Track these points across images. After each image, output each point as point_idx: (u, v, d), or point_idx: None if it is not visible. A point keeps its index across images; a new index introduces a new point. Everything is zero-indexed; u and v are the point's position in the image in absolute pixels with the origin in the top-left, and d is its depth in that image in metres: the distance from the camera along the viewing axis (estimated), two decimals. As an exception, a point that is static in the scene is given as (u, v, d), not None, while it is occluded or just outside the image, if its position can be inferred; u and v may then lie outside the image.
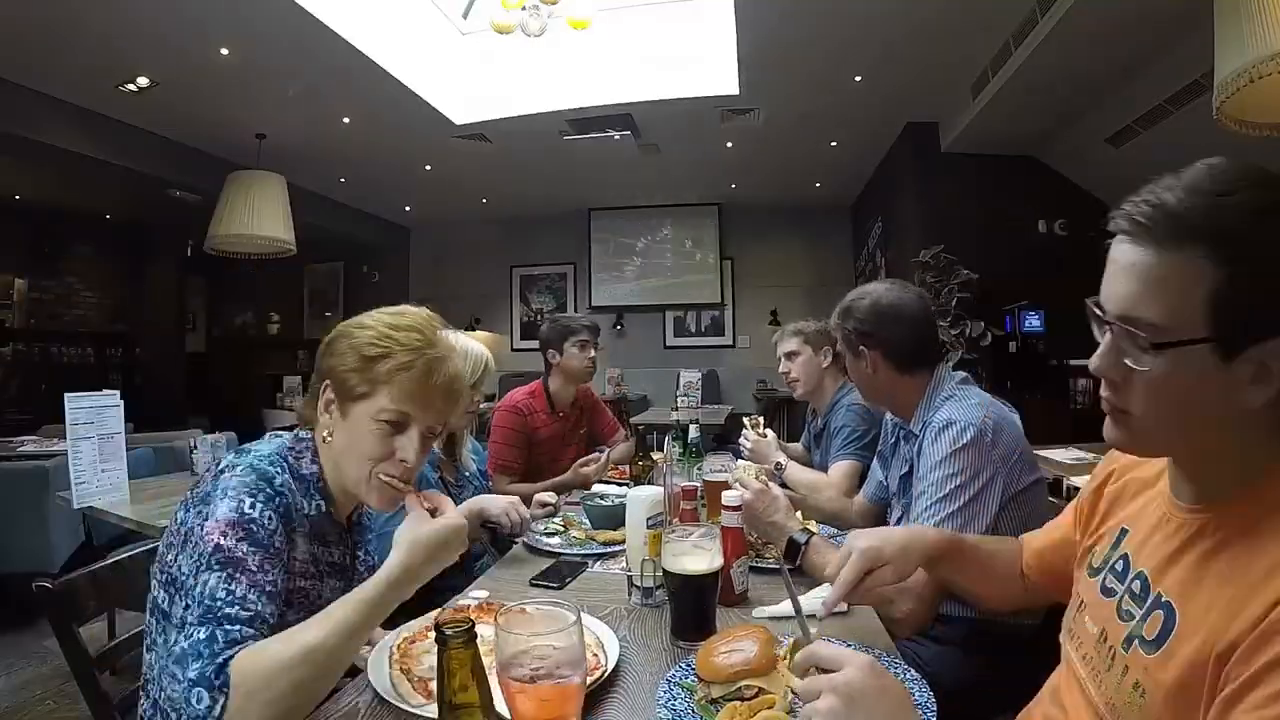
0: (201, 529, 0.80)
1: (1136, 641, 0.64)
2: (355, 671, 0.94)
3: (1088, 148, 4.94)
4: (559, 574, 1.35)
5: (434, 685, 0.89)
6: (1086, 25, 3.47)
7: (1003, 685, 0.98)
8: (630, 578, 1.21)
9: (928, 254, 5.14)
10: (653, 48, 4.57)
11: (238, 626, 0.74)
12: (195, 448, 2.71)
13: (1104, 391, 0.65)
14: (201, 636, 0.73)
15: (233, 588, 0.77)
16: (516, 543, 1.57)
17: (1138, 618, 0.66)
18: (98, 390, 2.34)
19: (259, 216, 5.26)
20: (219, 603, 0.75)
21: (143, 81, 4.39)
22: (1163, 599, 0.63)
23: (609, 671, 0.89)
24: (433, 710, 0.61)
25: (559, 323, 2.49)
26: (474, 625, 0.60)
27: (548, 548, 1.53)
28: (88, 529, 2.88)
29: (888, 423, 1.67)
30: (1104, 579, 0.74)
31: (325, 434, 0.93)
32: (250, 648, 0.73)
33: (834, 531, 1.60)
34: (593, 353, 2.48)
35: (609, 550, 1.50)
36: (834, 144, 6.07)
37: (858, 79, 4.68)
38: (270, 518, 0.83)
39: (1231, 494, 0.61)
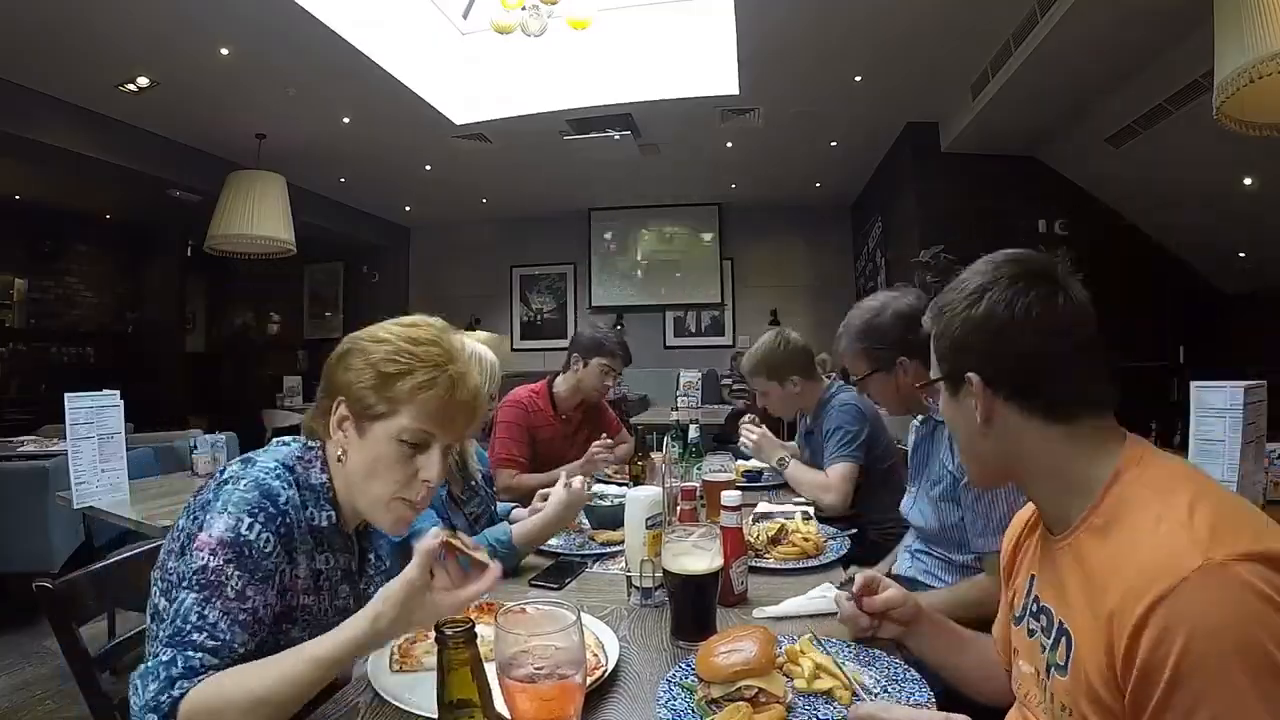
0: (196, 541, 0.78)
1: (1053, 669, 0.71)
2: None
3: (1088, 148, 4.94)
4: (558, 574, 1.35)
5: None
6: (1087, 25, 3.47)
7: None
8: (630, 578, 1.21)
9: (928, 254, 5.14)
10: (653, 48, 4.57)
11: (201, 655, 0.73)
12: (195, 448, 2.72)
13: None
14: (164, 659, 0.73)
15: (206, 612, 0.75)
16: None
17: (1047, 648, 0.72)
18: (98, 390, 2.34)
19: (259, 216, 5.26)
20: (189, 626, 0.74)
21: (143, 81, 4.39)
22: (1063, 626, 0.70)
23: (609, 671, 0.89)
24: (432, 710, 0.61)
25: (598, 336, 2.44)
26: (474, 625, 0.60)
27: (547, 548, 1.52)
28: (88, 529, 2.89)
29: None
30: (1027, 624, 0.80)
31: (339, 453, 0.89)
32: (205, 682, 0.72)
33: (834, 532, 1.60)
34: (610, 381, 2.46)
35: (609, 550, 1.50)
36: (834, 144, 6.07)
37: (858, 79, 4.68)
38: (267, 539, 0.80)
39: (1081, 519, 0.71)
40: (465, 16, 3.94)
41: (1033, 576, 0.81)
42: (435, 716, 0.61)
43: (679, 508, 1.52)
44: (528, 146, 5.94)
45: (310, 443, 0.94)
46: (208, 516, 0.80)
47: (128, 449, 2.41)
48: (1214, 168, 4.35)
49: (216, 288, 9.16)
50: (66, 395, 2.26)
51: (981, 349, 0.76)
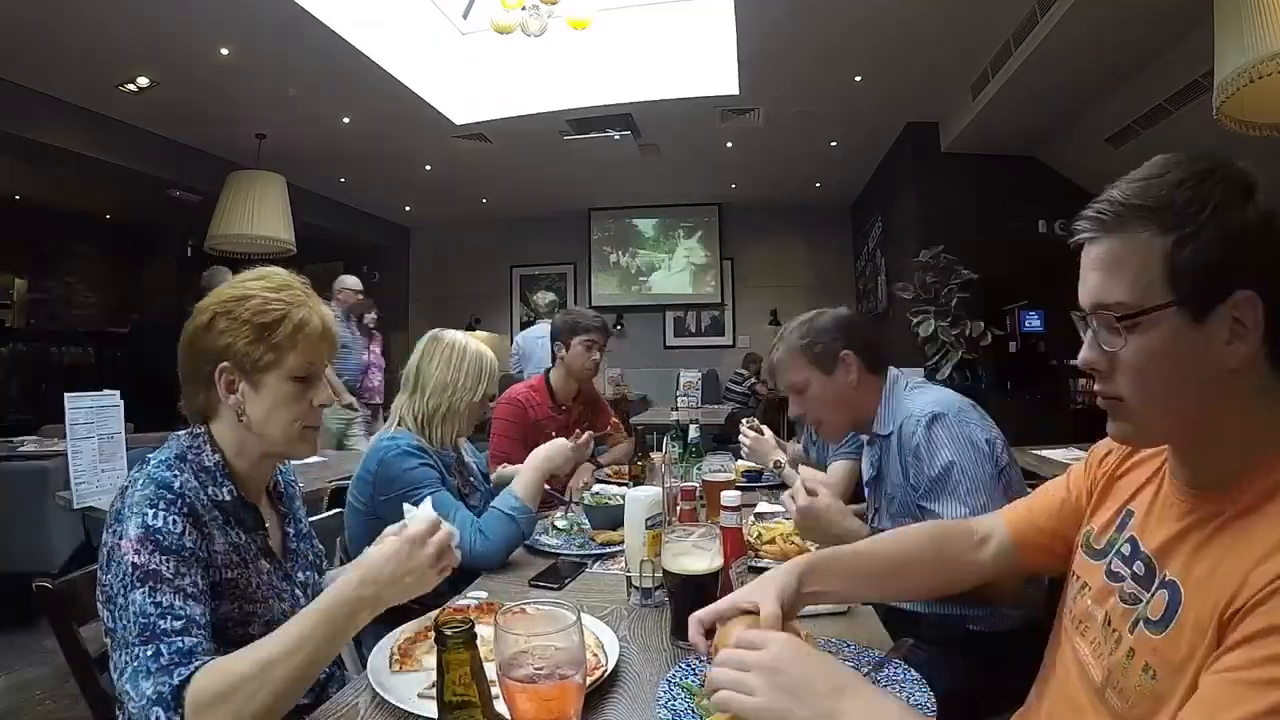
0: (119, 549, 0.81)
1: (1142, 624, 0.64)
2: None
3: (1088, 148, 4.94)
4: (558, 574, 1.35)
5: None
6: (1087, 25, 3.47)
7: (998, 687, 0.98)
8: (629, 578, 1.21)
9: (928, 254, 5.14)
10: (653, 48, 4.57)
11: (178, 638, 0.76)
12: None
13: (1097, 385, 0.67)
14: (147, 654, 0.75)
15: (159, 599, 0.78)
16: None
17: (1144, 600, 0.65)
18: (98, 390, 2.34)
19: (259, 216, 5.26)
20: (151, 618, 0.77)
21: (143, 81, 4.39)
22: (1168, 578, 0.63)
23: (609, 671, 0.89)
24: (432, 710, 0.61)
25: (571, 316, 2.48)
26: (474, 625, 0.60)
27: (546, 548, 1.52)
28: (87, 529, 2.88)
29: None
30: (1110, 563, 0.73)
31: (238, 413, 0.94)
32: (206, 668, 0.74)
33: None
34: (597, 355, 2.46)
35: (608, 550, 1.50)
36: (834, 144, 6.07)
37: (858, 79, 4.68)
38: (175, 521, 0.84)
39: (1234, 478, 0.62)
40: (465, 16, 3.94)
41: (1129, 512, 0.74)
42: (435, 716, 0.61)
43: (679, 508, 1.52)
44: (528, 146, 5.94)
45: (195, 430, 0.96)
46: (121, 525, 0.83)
47: (128, 449, 2.41)
48: (1214, 168, 4.35)
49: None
50: (67, 395, 2.26)
51: (1269, 263, 0.58)
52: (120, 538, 0.82)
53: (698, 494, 1.62)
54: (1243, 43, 2.36)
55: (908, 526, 1.03)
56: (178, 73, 4.32)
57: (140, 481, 0.87)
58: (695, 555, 1.02)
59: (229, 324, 0.91)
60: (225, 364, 0.92)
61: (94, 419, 2.28)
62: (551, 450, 1.61)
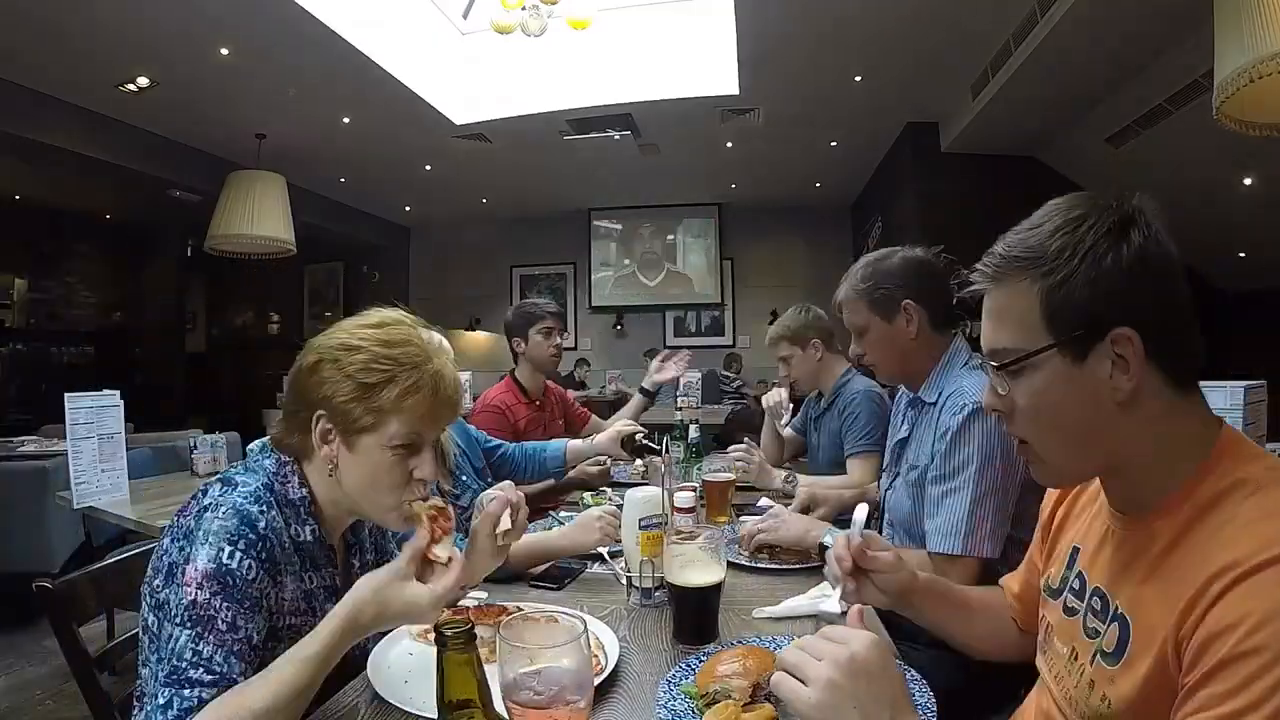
0: (182, 574, 0.77)
1: (1099, 656, 0.66)
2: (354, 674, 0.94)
3: (1088, 148, 4.94)
4: (558, 575, 1.35)
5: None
6: (1087, 25, 3.47)
7: (997, 687, 0.98)
8: (629, 578, 1.20)
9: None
10: (653, 47, 4.57)
11: (197, 690, 0.73)
12: (195, 448, 2.71)
13: (1006, 428, 0.71)
14: (162, 701, 0.72)
15: (200, 648, 0.74)
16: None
17: (1102, 633, 0.67)
18: (98, 390, 2.34)
19: (259, 216, 5.26)
20: (184, 664, 0.73)
21: (143, 81, 4.39)
22: (1118, 611, 0.65)
23: (609, 672, 0.89)
24: (432, 710, 0.61)
25: (523, 309, 2.43)
26: (474, 626, 0.60)
27: None
28: (88, 529, 2.88)
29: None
30: (1065, 600, 0.75)
31: (329, 468, 0.87)
32: (203, 713, 0.71)
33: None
34: (558, 340, 2.42)
35: (608, 550, 1.49)
36: (834, 144, 6.07)
37: (858, 79, 4.68)
38: (250, 567, 0.79)
39: (1163, 501, 0.64)
40: (465, 16, 3.95)
41: (1076, 549, 0.75)
42: (435, 717, 0.61)
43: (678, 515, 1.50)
44: (528, 146, 5.94)
45: (284, 457, 0.90)
46: (192, 548, 0.78)
47: (127, 449, 2.41)
48: (1214, 168, 4.35)
49: (216, 288, 9.16)
50: (67, 395, 2.26)
51: (1141, 299, 0.61)
52: (187, 561, 0.77)
53: (698, 493, 1.62)
54: (1243, 43, 2.36)
55: (973, 588, 1.02)
56: (178, 73, 4.32)
57: (224, 509, 0.81)
58: (698, 567, 1.01)
59: (333, 374, 0.84)
60: (322, 414, 0.85)
61: (94, 419, 2.28)
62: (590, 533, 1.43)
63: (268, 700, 0.71)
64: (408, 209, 8.29)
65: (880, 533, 1.48)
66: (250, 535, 0.80)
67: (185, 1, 3.57)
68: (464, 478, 1.72)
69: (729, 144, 6.06)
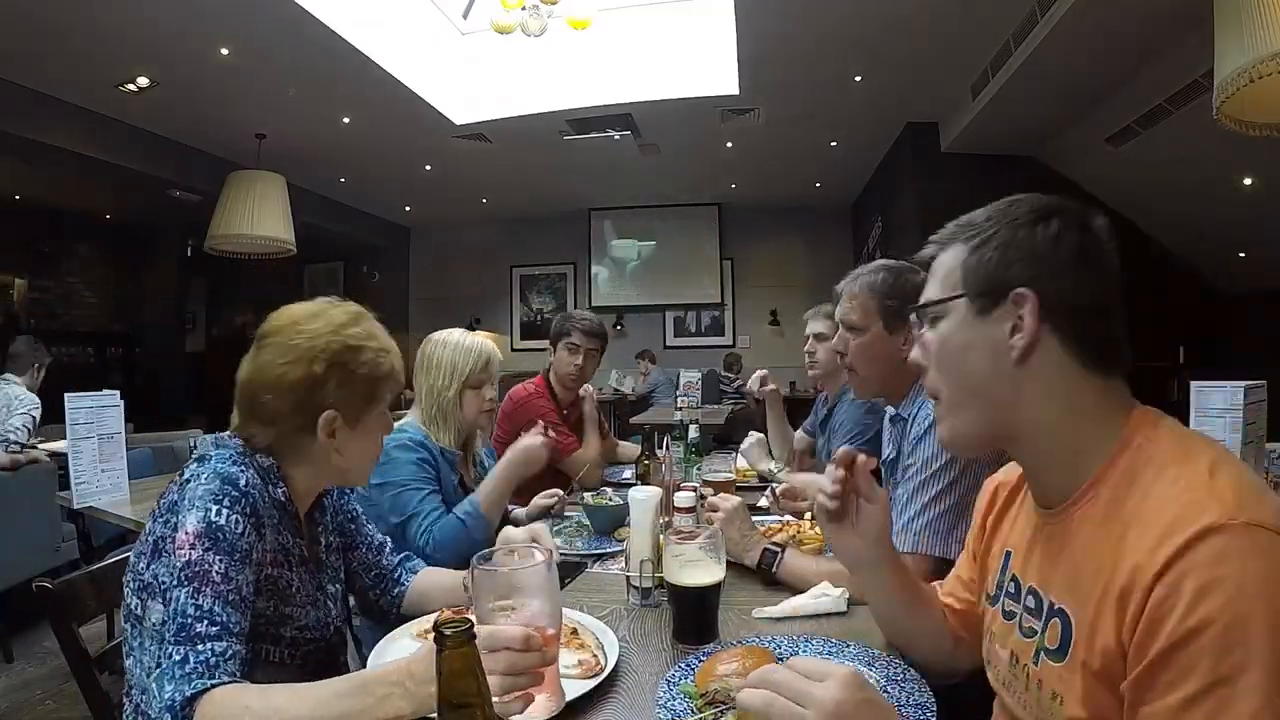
0: (172, 541, 0.81)
1: (1043, 654, 0.66)
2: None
3: (1088, 148, 4.94)
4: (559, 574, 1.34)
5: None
6: (1087, 25, 3.47)
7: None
8: (629, 578, 1.20)
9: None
10: (653, 47, 4.58)
11: (209, 644, 0.76)
12: (195, 448, 2.70)
13: (923, 383, 0.77)
14: (177, 658, 0.74)
15: (200, 601, 0.78)
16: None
17: (1040, 631, 0.67)
18: (98, 390, 2.34)
19: (259, 216, 5.27)
20: (189, 619, 0.77)
21: (143, 81, 4.39)
22: (1055, 606, 0.66)
23: (609, 672, 0.89)
24: (432, 710, 0.61)
25: (559, 319, 2.40)
26: (473, 625, 0.60)
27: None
28: (88, 529, 2.88)
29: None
30: (1003, 604, 0.76)
31: (335, 455, 0.95)
32: (227, 690, 0.72)
33: None
34: (580, 359, 2.30)
35: (609, 550, 1.50)
36: (834, 144, 6.07)
37: (858, 79, 4.68)
38: (237, 521, 0.84)
39: (1081, 491, 0.66)
40: (465, 16, 3.95)
41: (1008, 553, 0.77)
42: (435, 717, 0.60)
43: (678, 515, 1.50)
44: (528, 146, 5.95)
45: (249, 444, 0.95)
46: (178, 516, 0.83)
47: (127, 449, 2.41)
48: (1214, 168, 4.35)
49: (216, 288, 9.16)
50: (67, 395, 2.26)
51: (1047, 268, 0.66)
52: (176, 529, 0.82)
53: (698, 494, 1.62)
54: (1243, 42, 2.36)
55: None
56: (178, 73, 4.32)
57: (206, 475, 0.86)
58: (698, 567, 1.01)
59: (344, 375, 0.94)
60: (335, 414, 0.94)
61: (94, 419, 2.28)
62: (529, 450, 1.59)
63: (291, 712, 0.71)
64: (408, 209, 8.29)
65: None
66: (234, 492, 0.85)
67: (185, 1, 3.57)
68: (481, 473, 1.72)
69: (729, 144, 6.06)
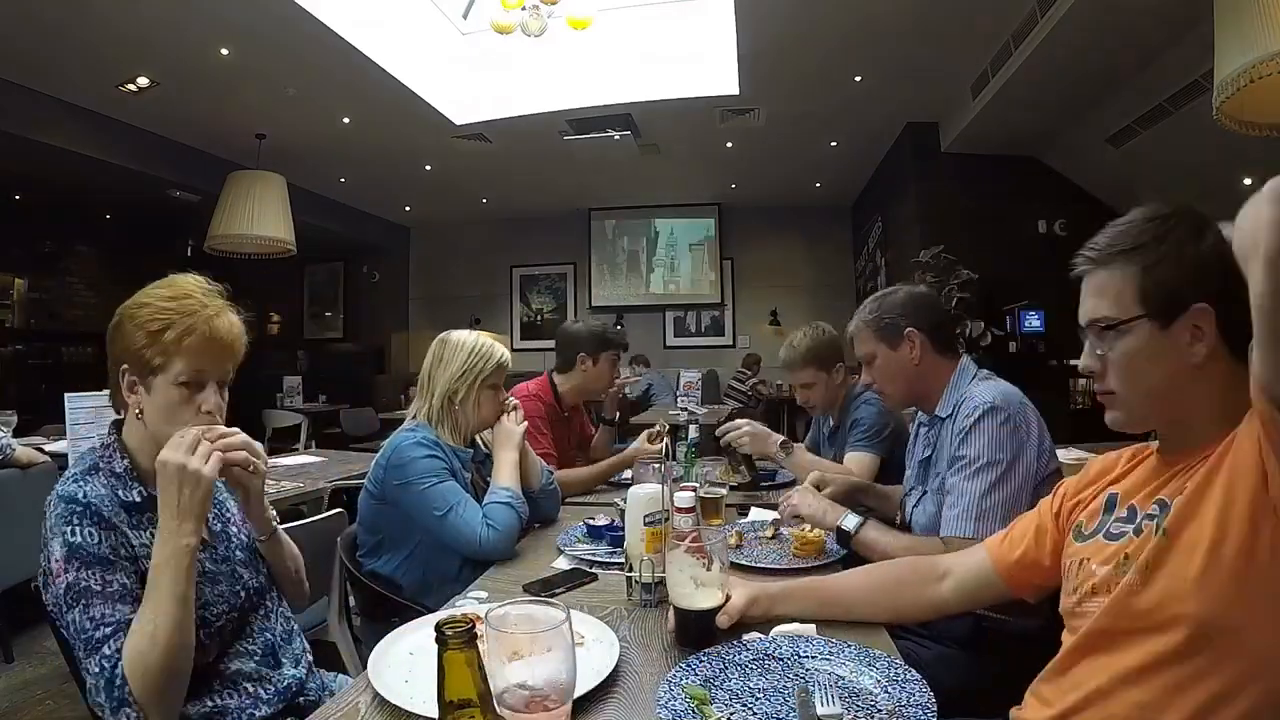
0: (51, 572, 0.89)
1: (1159, 533, 0.76)
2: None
3: (1088, 148, 4.95)
4: (557, 582, 1.31)
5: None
6: (1087, 25, 3.47)
7: (1004, 686, 0.98)
8: (630, 577, 1.20)
9: (928, 254, 5.14)
10: (653, 47, 4.57)
11: (111, 641, 0.86)
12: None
13: (1095, 386, 0.86)
14: (95, 668, 0.85)
15: (91, 613, 0.87)
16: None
17: (1155, 530, 0.77)
18: (99, 391, 2.33)
19: (259, 216, 5.26)
20: (88, 632, 0.86)
21: (143, 81, 4.39)
22: (1175, 503, 0.77)
23: (609, 672, 0.89)
24: (433, 710, 0.61)
25: (598, 330, 2.35)
26: (474, 625, 0.60)
27: (578, 555, 1.46)
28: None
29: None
30: (1106, 529, 0.85)
31: (136, 412, 1.01)
32: (125, 654, 0.84)
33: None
34: (615, 372, 2.39)
35: (611, 559, 1.45)
36: (834, 144, 6.07)
37: (858, 79, 4.68)
38: (91, 533, 0.90)
39: (1205, 445, 0.77)
40: (465, 16, 3.94)
41: (1113, 495, 0.88)
42: (435, 716, 0.61)
43: (678, 525, 1.48)
44: (528, 146, 5.95)
45: (107, 438, 1.03)
46: (48, 549, 0.90)
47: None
48: (1214, 168, 4.35)
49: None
50: (67, 395, 2.26)
51: (1218, 282, 0.74)
52: (49, 560, 0.89)
53: (696, 511, 1.60)
54: (1243, 43, 2.36)
55: (880, 563, 1.18)
56: (178, 73, 4.33)
57: (53, 502, 0.93)
58: (702, 593, 1.02)
59: (128, 329, 0.99)
60: (125, 366, 1.00)
61: (95, 419, 2.28)
62: (514, 431, 1.65)
63: (147, 616, 0.85)
64: (408, 209, 8.29)
65: None
66: (77, 509, 0.91)
67: (185, 1, 3.57)
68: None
69: (729, 144, 6.06)
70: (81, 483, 0.94)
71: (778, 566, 1.39)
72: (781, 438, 2.04)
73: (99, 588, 0.88)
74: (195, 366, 1.00)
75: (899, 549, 1.28)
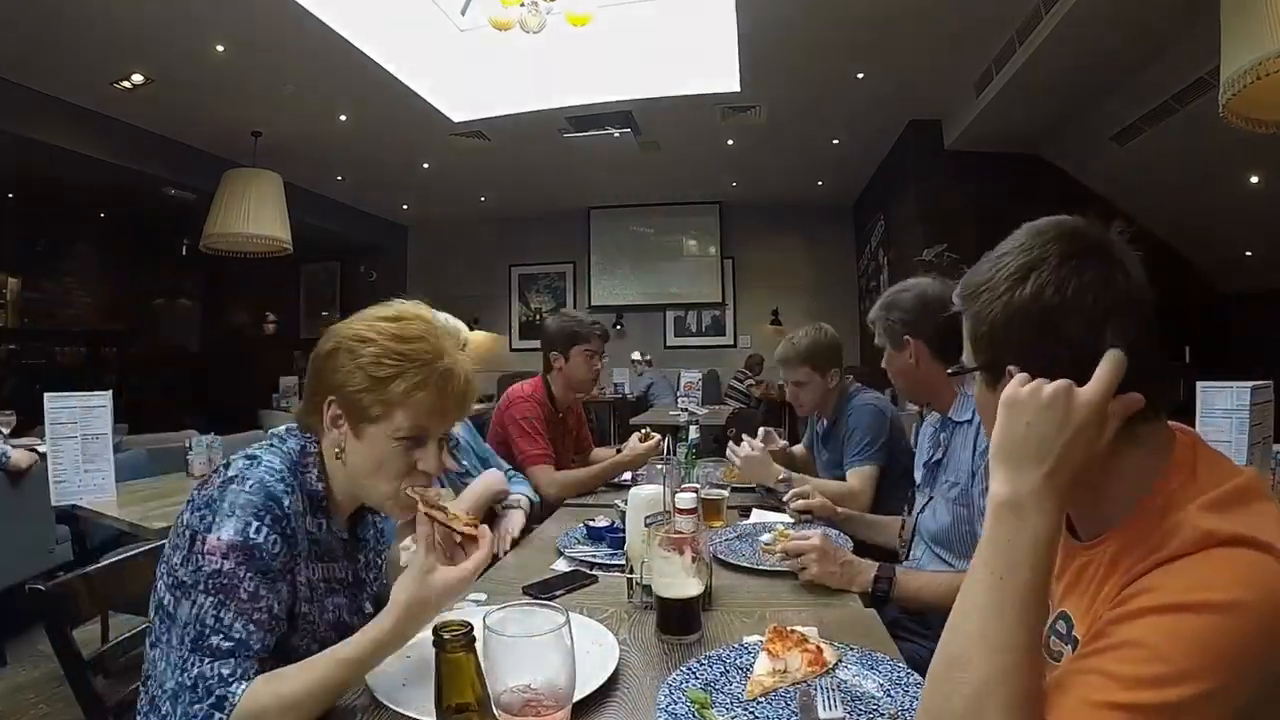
0: (204, 543, 0.79)
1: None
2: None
3: (1093, 145, 4.93)
4: (556, 584, 1.30)
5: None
6: (1091, 21, 3.45)
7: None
8: (630, 578, 1.19)
9: (930, 253, 5.12)
10: (653, 44, 4.56)
11: (220, 661, 0.76)
12: (190, 449, 2.68)
13: None
14: (193, 673, 0.75)
15: (222, 615, 0.77)
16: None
17: (1064, 655, 0.69)
18: (91, 390, 2.32)
19: (255, 215, 5.24)
20: (207, 629, 0.77)
21: (138, 79, 4.37)
22: (1069, 616, 0.69)
23: (608, 676, 0.88)
24: (430, 713, 0.60)
25: (567, 325, 2.28)
26: (472, 629, 0.60)
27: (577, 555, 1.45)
28: (81, 531, 2.86)
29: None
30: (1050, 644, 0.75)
31: (336, 450, 0.90)
32: (244, 699, 0.75)
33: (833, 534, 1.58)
34: (599, 364, 2.31)
35: (612, 561, 1.43)
36: (836, 142, 6.06)
37: (860, 76, 4.67)
38: (275, 541, 0.82)
39: (1115, 525, 0.65)
40: (463, 13, 3.93)
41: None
42: (434, 718, 0.60)
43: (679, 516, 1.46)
44: (527, 144, 5.93)
45: (309, 447, 0.92)
46: (215, 518, 0.80)
47: (123, 450, 2.40)
48: (1220, 165, 4.34)
49: (212, 287, 9.13)
50: (47, 396, 2.26)
51: (1026, 340, 0.64)
52: (210, 531, 0.79)
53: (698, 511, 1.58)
54: (1250, 39, 2.34)
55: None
56: (173, 70, 4.30)
57: (251, 484, 0.82)
58: (682, 583, 1.04)
59: (346, 363, 0.87)
60: (333, 399, 0.88)
61: (79, 419, 2.28)
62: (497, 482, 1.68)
63: (299, 691, 0.76)
64: (405, 207, 8.27)
65: (915, 551, 1.54)
66: (276, 511, 0.82)
67: (181, -3, 3.55)
68: (464, 463, 1.70)
69: (730, 142, 6.05)
70: (288, 489, 0.85)
71: (779, 569, 1.36)
72: (784, 473, 1.90)
73: (245, 598, 0.78)
74: (420, 424, 0.87)
75: (943, 586, 1.20)
